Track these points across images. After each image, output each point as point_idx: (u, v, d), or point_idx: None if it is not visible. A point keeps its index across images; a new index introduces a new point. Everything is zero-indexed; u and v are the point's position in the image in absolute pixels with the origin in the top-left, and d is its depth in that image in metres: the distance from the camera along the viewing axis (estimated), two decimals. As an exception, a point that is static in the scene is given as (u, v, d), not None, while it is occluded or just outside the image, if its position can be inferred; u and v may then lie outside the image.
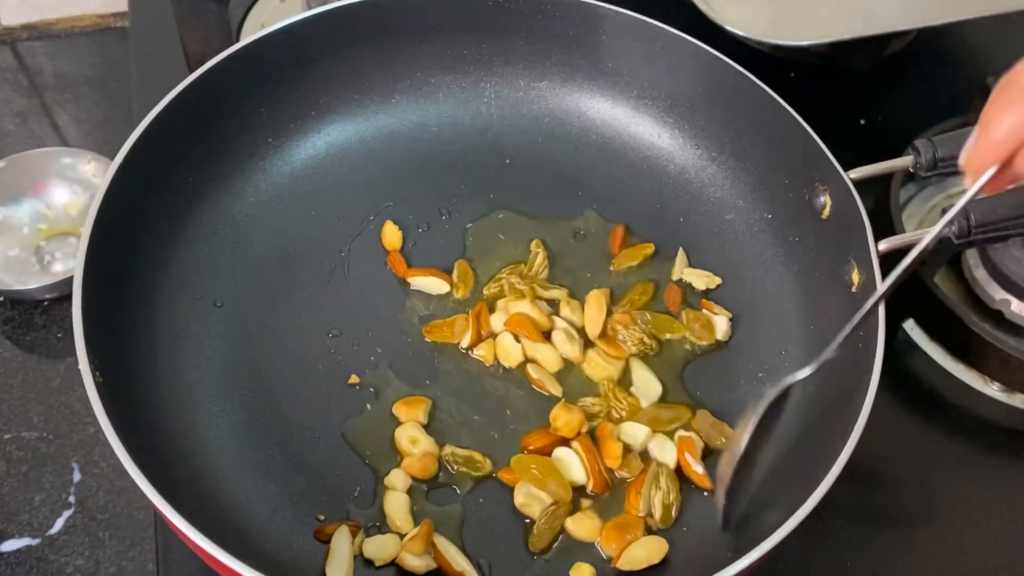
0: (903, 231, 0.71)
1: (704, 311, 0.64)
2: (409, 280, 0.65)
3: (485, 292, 0.64)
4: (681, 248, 0.67)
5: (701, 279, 0.66)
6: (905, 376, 0.71)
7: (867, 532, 0.61)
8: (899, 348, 0.72)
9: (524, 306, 0.62)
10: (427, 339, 0.62)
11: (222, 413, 0.57)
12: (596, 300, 0.63)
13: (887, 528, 0.62)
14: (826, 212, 0.60)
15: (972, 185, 0.45)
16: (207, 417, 0.56)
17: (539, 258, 0.66)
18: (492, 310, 0.63)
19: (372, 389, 0.60)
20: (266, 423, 0.57)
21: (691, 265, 0.67)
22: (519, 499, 0.55)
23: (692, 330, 0.63)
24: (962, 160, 0.45)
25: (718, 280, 0.66)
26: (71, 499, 0.65)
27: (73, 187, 0.82)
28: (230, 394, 0.58)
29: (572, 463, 0.56)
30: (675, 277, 0.66)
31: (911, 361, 0.72)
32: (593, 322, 0.62)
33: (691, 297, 0.66)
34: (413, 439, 0.57)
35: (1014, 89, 0.42)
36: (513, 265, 0.66)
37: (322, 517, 0.54)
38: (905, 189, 0.79)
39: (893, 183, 0.73)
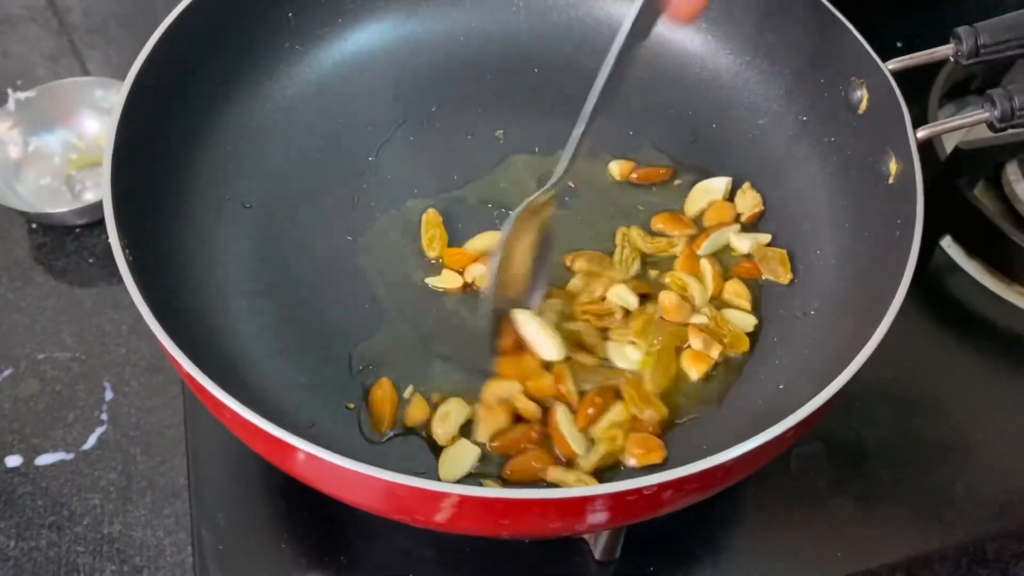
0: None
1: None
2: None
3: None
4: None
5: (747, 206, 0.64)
6: (942, 295, 0.70)
7: (903, 450, 0.61)
8: (936, 266, 0.71)
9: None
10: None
11: (252, 307, 0.58)
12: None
13: (922, 446, 0.62)
14: (863, 106, 0.60)
15: None
16: (237, 309, 0.57)
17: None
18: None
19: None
20: (298, 317, 0.58)
21: (720, 174, 0.66)
22: None
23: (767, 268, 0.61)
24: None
25: (760, 208, 0.64)
26: (103, 416, 0.65)
27: (103, 118, 0.81)
28: (260, 290, 0.59)
29: None
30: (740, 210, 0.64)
31: (949, 280, 0.71)
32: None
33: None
34: None
35: None
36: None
37: (351, 405, 0.55)
38: (944, 109, 0.78)
39: (932, 94, 0.72)
